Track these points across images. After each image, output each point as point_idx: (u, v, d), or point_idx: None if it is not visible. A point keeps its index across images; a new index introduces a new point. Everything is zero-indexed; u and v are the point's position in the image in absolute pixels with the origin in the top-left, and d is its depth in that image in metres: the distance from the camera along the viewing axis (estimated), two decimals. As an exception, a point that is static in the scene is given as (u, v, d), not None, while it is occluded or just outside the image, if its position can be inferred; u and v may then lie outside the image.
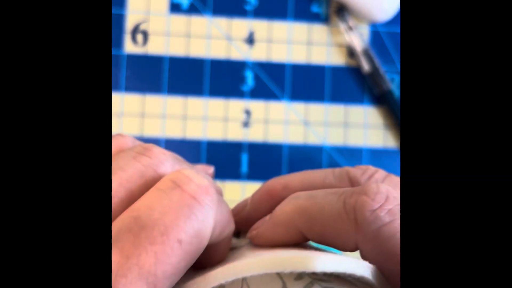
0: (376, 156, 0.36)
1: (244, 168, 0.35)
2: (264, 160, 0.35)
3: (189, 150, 0.35)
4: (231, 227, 0.17)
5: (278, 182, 0.20)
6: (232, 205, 0.35)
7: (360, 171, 0.18)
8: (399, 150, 0.36)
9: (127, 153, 0.16)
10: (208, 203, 0.14)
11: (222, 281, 0.14)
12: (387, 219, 0.14)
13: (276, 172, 0.35)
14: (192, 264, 0.14)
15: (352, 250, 0.15)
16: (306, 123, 0.36)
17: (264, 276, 0.15)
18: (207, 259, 0.17)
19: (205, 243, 0.14)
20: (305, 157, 0.35)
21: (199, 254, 0.14)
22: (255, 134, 0.35)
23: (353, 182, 0.18)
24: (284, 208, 0.17)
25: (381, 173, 0.18)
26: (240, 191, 0.35)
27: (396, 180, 0.17)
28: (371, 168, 0.18)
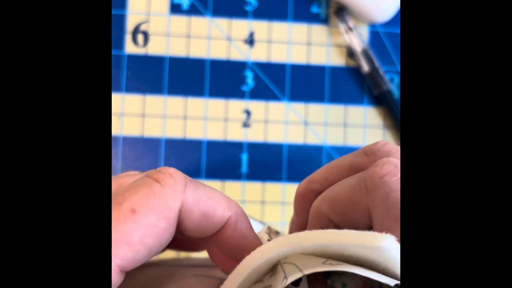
0: (375, 156, 0.36)
1: (244, 168, 0.35)
2: (264, 160, 0.35)
3: (189, 150, 0.35)
4: (230, 215, 0.17)
5: (303, 182, 0.21)
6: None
7: (373, 144, 0.19)
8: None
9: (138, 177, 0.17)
10: (170, 185, 0.15)
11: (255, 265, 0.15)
12: (395, 185, 0.15)
13: (276, 172, 0.35)
14: (161, 242, 0.15)
15: (369, 226, 0.16)
16: (306, 123, 0.36)
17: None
18: (226, 253, 0.17)
19: (171, 221, 0.15)
20: (305, 157, 0.36)
21: (168, 233, 0.15)
22: (255, 134, 0.35)
23: (367, 154, 0.19)
24: (314, 205, 0.18)
25: (392, 144, 0.19)
26: (240, 191, 0.35)
27: None
28: (384, 141, 0.19)
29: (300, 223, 0.21)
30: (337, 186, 0.17)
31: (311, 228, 0.18)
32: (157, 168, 0.16)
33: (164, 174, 0.15)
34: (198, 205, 0.16)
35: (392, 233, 0.15)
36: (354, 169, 0.19)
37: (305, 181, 0.20)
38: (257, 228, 0.21)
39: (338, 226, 0.18)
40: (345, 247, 0.14)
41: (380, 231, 0.15)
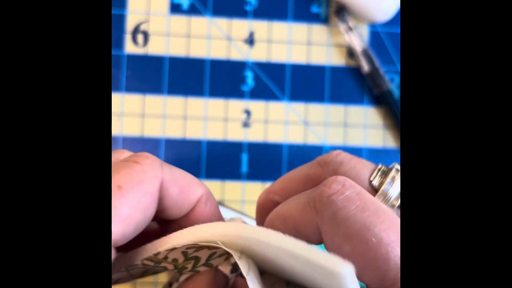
0: (375, 156, 0.36)
1: (244, 168, 0.35)
2: (264, 160, 0.35)
3: (189, 150, 0.35)
4: (202, 193, 0.18)
5: (263, 193, 0.21)
6: (232, 205, 0.35)
7: (327, 155, 0.20)
8: (399, 150, 0.36)
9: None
10: (148, 164, 0.16)
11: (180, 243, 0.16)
12: (342, 204, 0.15)
13: (276, 172, 0.35)
14: (146, 218, 0.16)
15: (319, 242, 0.17)
16: (306, 123, 0.36)
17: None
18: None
19: (154, 196, 0.16)
20: (305, 157, 0.35)
21: (152, 208, 0.16)
22: (255, 134, 0.35)
23: (321, 165, 0.19)
24: (267, 219, 0.19)
25: (345, 154, 0.19)
26: (240, 191, 0.35)
27: (363, 161, 0.19)
28: (337, 151, 0.19)
29: None
30: (288, 204, 0.18)
31: None
32: (133, 154, 0.17)
33: (140, 157, 0.16)
34: (175, 181, 0.17)
35: (341, 251, 0.15)
36: (310, 180, 0.19)
37: (264, 192, 0.21)
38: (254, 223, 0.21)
39: None
40: (298, 260, 0.14)
41: (330, 249, 0.16)
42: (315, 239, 0.17)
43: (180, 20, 0.35)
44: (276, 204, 0.19)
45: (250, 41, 0.35)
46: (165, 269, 0.19)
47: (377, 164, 0.18)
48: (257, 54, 0.35)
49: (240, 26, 0.35)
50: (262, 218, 0.21)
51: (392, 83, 0.36)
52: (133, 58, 0.35)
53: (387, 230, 0.14)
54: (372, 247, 0.14)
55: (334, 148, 0.36)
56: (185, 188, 0.17)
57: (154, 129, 0.35)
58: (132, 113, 0.34)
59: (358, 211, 0.15)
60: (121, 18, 0.35)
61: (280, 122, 0.35)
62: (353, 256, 0.15)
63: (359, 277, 0.15)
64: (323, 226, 0.16)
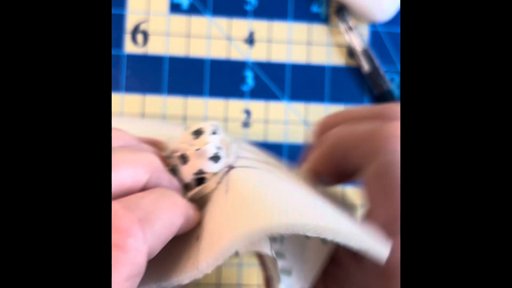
0: (376, 156, 0.36)
1: (244, 168, 0.35)
2: (264, 160, 0.35)
3: (189, 150, 0.35)
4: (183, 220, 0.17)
5: (320, 120, 0.24)
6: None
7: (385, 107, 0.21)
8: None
9: None
10: (132, 249, 0.15)
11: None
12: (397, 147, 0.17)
13: (276, 172, 0.35)
14: (138, 280, 0.15)
15: (354, 171, 0.19)
16: (306, 123, 0.36)
17: None
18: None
19: (141, 272, 0.15)
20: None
21: (140, 275, 0.15)
22: (255, 134, 0.35)
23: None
24: (326, 137, 0.21)
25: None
26: (240, 191, 0.35)
27: None
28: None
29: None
30: (352, 127, 0.20)
31: (319, 167, 0.21)
32: (114, 226, 0.15)
33: (121, 234, 0.15)
34: (160, 241, 0.16)
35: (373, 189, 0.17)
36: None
37: (320, 121, 0.24)
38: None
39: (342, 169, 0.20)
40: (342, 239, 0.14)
41: (365, 182, 0.17)
42: (354, 166, 0.19)
43: (180, 20, 0.35)
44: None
45: (250, 40, 0.35)
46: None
47: None
48: (257, 54, 0.35)
49: (240, 26, 0.35)
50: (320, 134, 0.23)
51: (392, 83, 0.36)
52: (133, 58, 0.35)
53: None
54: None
55: (334, 148, 0.36)
56: (169, 235, 0.17)
57: (154, 129, 0.34)
58: (132, 113, 0.34)
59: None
60: (121, 18, 0.35)
61: (280, 122, 0.35)
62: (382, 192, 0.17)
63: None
64: (375, 161, 0.17)
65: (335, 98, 0.36)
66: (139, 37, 0.35)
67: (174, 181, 0.19)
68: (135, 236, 0.15)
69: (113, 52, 0.34)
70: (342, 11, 0.35)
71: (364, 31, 0.36)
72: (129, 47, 0.35)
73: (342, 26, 0.35)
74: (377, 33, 0.37)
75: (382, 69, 0.35)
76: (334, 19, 0.36)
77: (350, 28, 0.35)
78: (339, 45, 0.36)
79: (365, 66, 0.35)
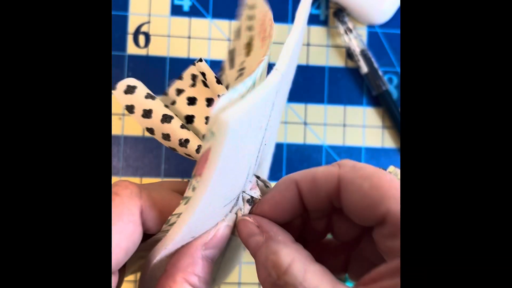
0: (374, 156, 0.36)
1: (245, 168, 0.35)
2: (264, 160, 0.35)
3: (190, 150, 0.35)
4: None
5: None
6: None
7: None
8: (397, 149, 0.36)
9: None
10: (126, 195, 0.17)
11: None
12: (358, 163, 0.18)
13: (276, 172, 0.36)
14: (134, 243, 0.18)
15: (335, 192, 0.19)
16: (305, 124, 0.36)
17: None
18: None
19: (137, 223, 0.18)
20: (304, 157, 0.36)
21: (137, 233, 0.17)
22: (255, 134, 0.35)
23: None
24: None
25: None
26: (240, 191, 0.35)
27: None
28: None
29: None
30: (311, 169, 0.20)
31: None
32: (115, 182, 0.18)
33: (120, 187, 0.18)
34: (154, 205, 0.18)
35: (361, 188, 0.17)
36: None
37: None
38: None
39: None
40: None
41: (351, 190, 0.18)
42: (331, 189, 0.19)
43: (181, 22, 0.35)
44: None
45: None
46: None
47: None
48: (257, 55, 0.36)
49: (240, 28, 0.36)
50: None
51: (391, 84, 0.37)
52: (135, 59, 0.35)
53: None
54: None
55: (334, 147, 0.36)
56: (165, 209, 0.19)
57: (155, 129, 0.35)
58: (134, 114, 0.35)
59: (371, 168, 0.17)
60: (123, 20, 0.35)
61: (280, 122, 0.36)
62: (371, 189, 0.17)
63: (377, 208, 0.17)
64: (344, 174, 0.18)
65: (334, 99, 0.36)
66: (141, 39, 0.35)
67: None
68: (131, 190, 0.18)
69: (115, 53, 0.35)
70: (341, 13, 0.36)
71: (363, 32, 0.37)
72: (131, 48, 0.35)
73: (341, 28, 0.36)
74: (375, 35, 0.37)
75: (380, 70, 0.36)
76: (333, 21, 0.36)
77: (349, 30, 0.36)
78: (338, 46, 0.37)
79: (364, 67, 0.36)
